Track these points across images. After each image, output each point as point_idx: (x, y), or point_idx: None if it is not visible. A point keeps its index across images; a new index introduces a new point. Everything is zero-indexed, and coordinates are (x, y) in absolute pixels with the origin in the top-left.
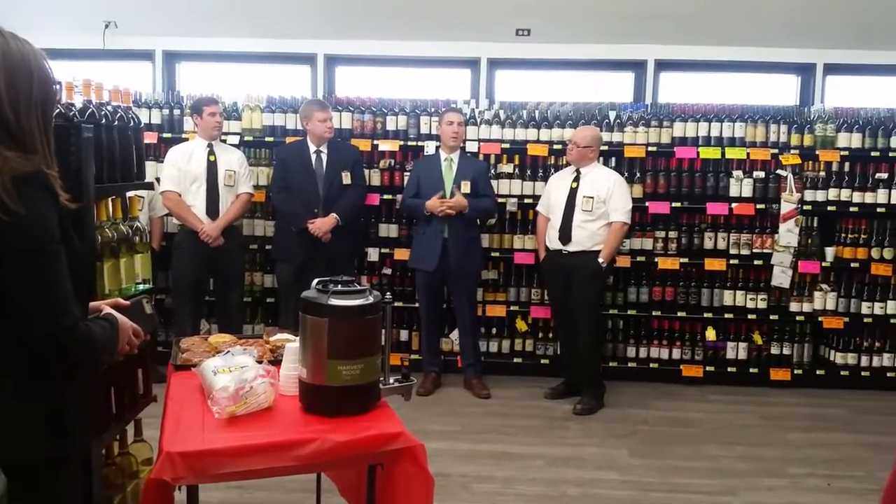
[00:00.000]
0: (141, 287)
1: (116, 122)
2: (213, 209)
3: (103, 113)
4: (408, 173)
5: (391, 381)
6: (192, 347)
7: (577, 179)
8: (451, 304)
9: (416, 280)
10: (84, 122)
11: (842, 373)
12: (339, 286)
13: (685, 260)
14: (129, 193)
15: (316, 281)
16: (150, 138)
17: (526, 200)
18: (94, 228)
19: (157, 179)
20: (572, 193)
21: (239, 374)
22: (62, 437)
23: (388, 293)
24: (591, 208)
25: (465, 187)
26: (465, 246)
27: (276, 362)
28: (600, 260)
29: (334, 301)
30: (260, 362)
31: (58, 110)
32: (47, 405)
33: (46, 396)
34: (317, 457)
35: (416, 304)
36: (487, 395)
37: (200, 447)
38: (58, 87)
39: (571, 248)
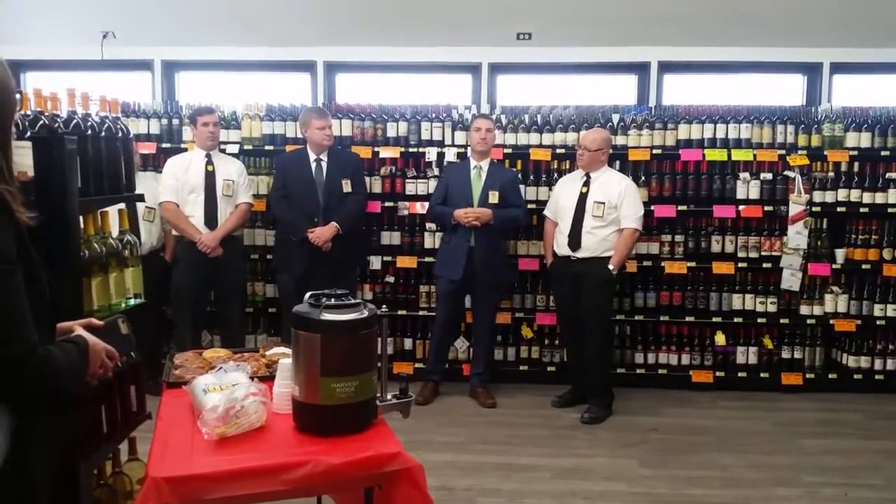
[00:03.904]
0: (132, 302)
1: (103, 133)
2: (211, 220)
3: (89, 124)
4: (409, 180)
5: (389, 397)
6: (186, 363)
7: (587, 184)
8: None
9: (438, 286)
10: (68, 133)
11: (855, 376)
12: (332, 300)
13: (692, 264)
14: (119, 206)
15: (308, 294)
16: (149, 149)
17: (529, 206)
18: (80, 243)
19: None
20: (582, 198)
21: (229, 393)
22: (20, 468)
23: (387, 303)
24: (602, 214)
25: (493, 197)
26: (491, 256)
27: (271, 378)
28: (610, 267)
29: (326, 316)
30: (253, 378)
31: (43, 122)
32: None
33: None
34: (309, 480)
35: (420, 312)
36: (493, 405)
37: (187, 472)
38: (17, 96)
39: (581, 254)
